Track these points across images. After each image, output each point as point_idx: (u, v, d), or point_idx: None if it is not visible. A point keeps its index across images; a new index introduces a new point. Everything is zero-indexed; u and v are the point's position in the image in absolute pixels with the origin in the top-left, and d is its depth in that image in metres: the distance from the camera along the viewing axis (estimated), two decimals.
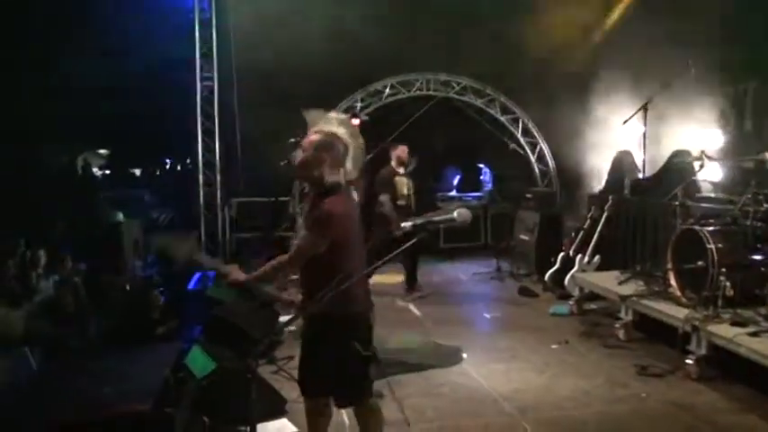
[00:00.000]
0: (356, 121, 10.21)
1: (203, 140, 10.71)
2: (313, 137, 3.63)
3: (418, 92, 11.68)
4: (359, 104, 11.35)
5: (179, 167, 19.43)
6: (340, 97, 10.76)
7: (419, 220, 2.67)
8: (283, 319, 6.59)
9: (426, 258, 10.69)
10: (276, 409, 4.96)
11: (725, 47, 8.14)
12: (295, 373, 5.58)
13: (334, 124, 3.68)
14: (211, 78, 10.58)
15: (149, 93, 11.62)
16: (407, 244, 2.83)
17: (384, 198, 8.00)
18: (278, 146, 7.54)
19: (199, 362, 5.23)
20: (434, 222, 2.67)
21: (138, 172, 20.44)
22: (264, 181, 8.81)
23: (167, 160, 20.78)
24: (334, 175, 3.60)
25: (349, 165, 3.65)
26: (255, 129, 10.09)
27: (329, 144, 3.59)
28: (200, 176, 10.78)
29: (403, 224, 2.78)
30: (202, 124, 10.62)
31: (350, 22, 9.82)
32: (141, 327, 5.98)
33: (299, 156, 3.62)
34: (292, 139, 5.98)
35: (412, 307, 8.22)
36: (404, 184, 8.33)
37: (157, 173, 20.78)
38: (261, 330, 5.82)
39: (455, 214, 2.75)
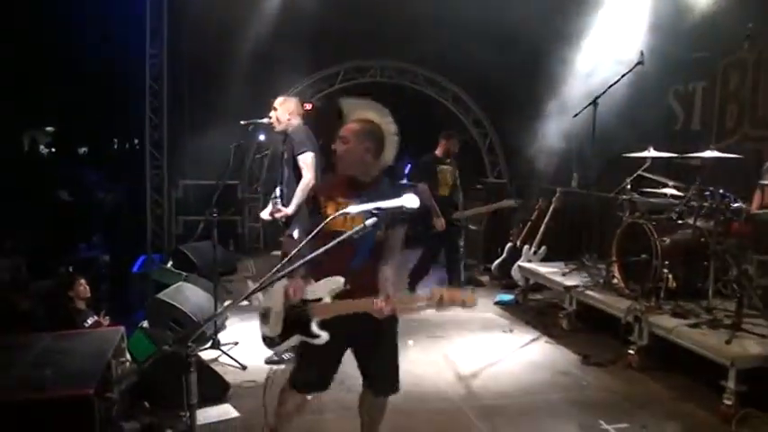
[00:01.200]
0: (308, 106, 10.14)
1: (151, 120, 10.44)
2: (353, 126, 3.50)
3: (371, 79, 11.61)
4: (310, 89, 11.23)
5: (127, 147, 19.04)
6: (291, 81, 10.61)
7: (366, 207, 2.64)
8: (227, 303, 6.52)
9: None
10: (219, 395, 4.91)
11: (675, 46, 8.27)
12: (239, 358, 5.61)
13: (370, 111, 3.56)
14: (160, 56, 10.27)
15: (98, 70, 11.34)
16: (351, 232, 2.80)
17: (423, 187, 7.64)
18: (227, 128, 7.45)
19: (141, 346, 5.15)
20: (382, 209, 2.63)
21: (84, 151, 20.02)
22: (212, 163, 8.65)
23: (115, 140, 20.37)
24: (377, 165, 3.52)
25: (388, 153, 3.55)
26: (204, 110, 9.90)
27: (371, 132, 3.47)
28: (148, 157, 10.53)
29: (346, 210, 2.71)
30: (150, 103, 10.35)
31: (303, 5, 9.68)
32: (62, 317, 5.77)
33: (339, 147, 3.45)
34: (242, 122, 5.89)
35: None
36: (447, 173, 7.95)
37: (105, 152, 20.36)
38: (204, 314, 5.74)
39: (402, 200, 2.74)
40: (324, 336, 3.31)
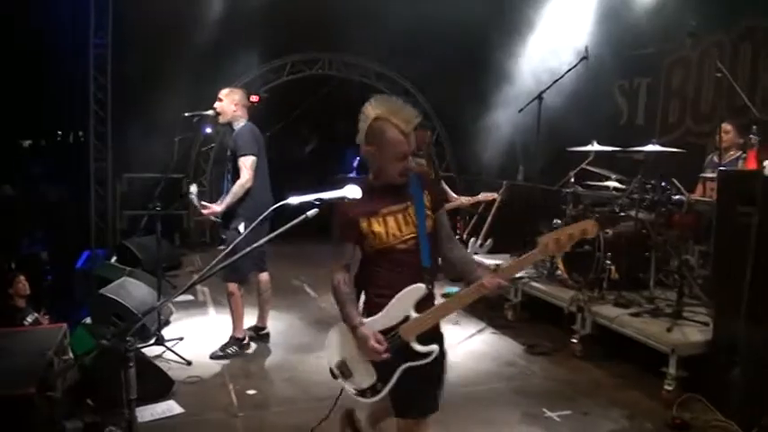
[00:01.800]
0: (254, 98, 10.03)
1: (95, 112, 10.21)
2: (421, 133, 3.33)
3: (320, 71, 11.56)
4: (258, 81, 11.12)
5: (71, 139, 18.56)
6: (239, 72, 10.49)
7: (306, 198, 2.60)
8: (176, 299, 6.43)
9: (324, 239, 10.68)
10: (163, 391, 4.84)
11: (620, 43, 8.42)
12: (184, 353, 5.54)
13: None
14: (105, 46, 10.04)
15: (41, 60, 10.99)
16: (296, 220, 2.76)
17: None
18: (173, 120, 7.32)
19: (83, 343, 5.05)
20: (324, 200, 2.60)
21: (29, 143, 19.46)
22: (157, 156, 8.51)
23: (59, 132, 19.84)
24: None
25: None
26: (150, 102, 9.71)
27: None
28: (92, 150, 10.30)
29: (288, 201, 2.65)
30: (94, 95, 10.12)
31: None
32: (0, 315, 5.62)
33: (418, 162, 3.26)
34: (186, 113, 5.80)
35: (307, 288, 8.20)
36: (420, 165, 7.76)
37: (49, 145, 19.82)
38: (146, 309, 5.64)
39: (344, 191, 2.72)
40: (433, 348, 3.00)
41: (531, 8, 9.47)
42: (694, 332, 5.08)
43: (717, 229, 5.00)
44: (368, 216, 3.04)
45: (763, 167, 4.41)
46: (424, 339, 2.99)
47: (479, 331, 6.62)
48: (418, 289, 2.97)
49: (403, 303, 2.98)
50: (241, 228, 5.43)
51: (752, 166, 5.07)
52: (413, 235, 3.01)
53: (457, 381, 5.31)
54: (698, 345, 4.92)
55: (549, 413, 4.70)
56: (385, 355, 2.93)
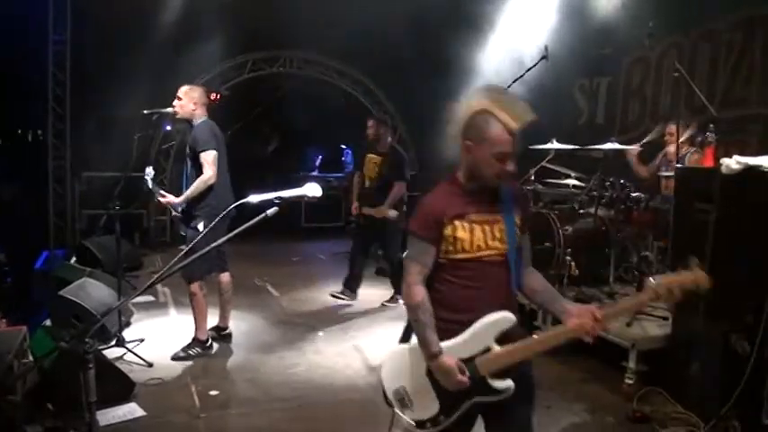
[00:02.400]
0: (214, 96, 9.94)
1: (53, 109, 10.02)
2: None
3: (281, 69, 11.49)
4: (218, 78, 11.03)
5: (30, 138, 18.22)
6: (199, 70, 10.37)
7: (266, 196, 2.56)
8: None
9: (286, 237, 10.66)
10: (124, 393, 4.78)
11: (581, 42, 8.52)
12: (145, 355, 5.47)
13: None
14: (64, 42, 9.85)
15: None
16: (255, 219, 2.72)
17: (356, 179, 7.67)
18: (133, 118, 7.20)
19: (43, 345, 4.96)
20: (283, 198, 2.56)
21: None
22: (117, 154, 8.38)
23: (19, 130, 19.47)
24: None
25: None
26: (110, 100, 9.56)
27: None
28: (50, 148, 10.11)
29: (248, 199, 2.61)
30: (53, 91, 9.94)
31: None
32: None
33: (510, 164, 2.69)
34: (146, 111, 5.72)
35: (270, 287, 8.15)
36: (371, 162, 7.57)
37: (5, 144, 19.43)
38: (105, 311, 5.56)
39: (305, 189, 2.69)
40: (508, 383, 2.63)
41: (493, 6, 9.52)
42: (654, 327, 5.19)
43: (675, 225, 5.09)
44: (453, 218, 2.67)
45: (720, 165, 4.49)
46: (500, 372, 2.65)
47: None
48: (507, 320, 2.64)
49: (487, 332, 2.63)
50: (200, 227, 5.38)
51: (709, 163, 5.16)
52: (499, 251, 2.67)
53: None
54: (657, 339, 5.04)
55: None
56: (460, 380, 2.59)
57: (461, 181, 2.76)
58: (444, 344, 2.64)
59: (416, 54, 10.35)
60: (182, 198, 5.53)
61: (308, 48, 11.48)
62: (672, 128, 6.25)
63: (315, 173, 12.14)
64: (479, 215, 2.69)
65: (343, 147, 12.27)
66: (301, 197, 2.96)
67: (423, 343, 2.66)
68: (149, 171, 5.68)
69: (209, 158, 5.47)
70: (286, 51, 11.52)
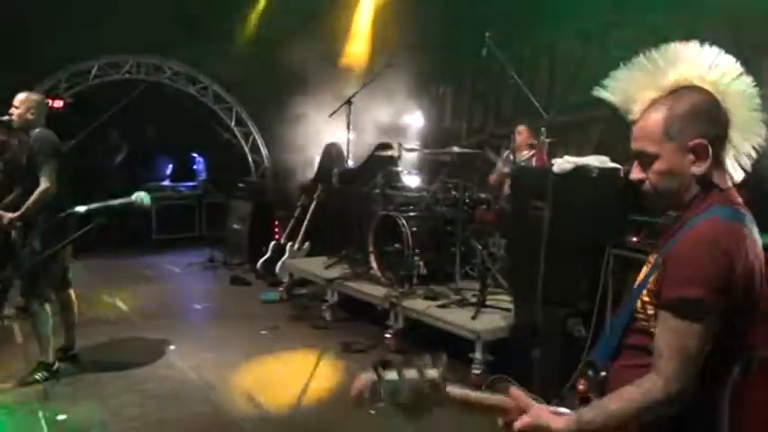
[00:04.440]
0: (59, 103, 9.48)
1: None
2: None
3: (127, 75, 11.11)
4: (62, 85, 10.50)
5: None
6: (42, 76, 9.84)
7: (94, 205, 2.47)
8: None
9: (138, 250, 10.32)
10: None
11: (429, 50, 8.83)
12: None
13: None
14: None
15: None
16: (84, 229, 2.64)
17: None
18: None
19: None
20: (111, 207, 2.49)
21: None
22: None
23: None
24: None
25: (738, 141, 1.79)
26: None
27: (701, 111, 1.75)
28: None
29: (75, 209, 2.50)
30: None
31: None
32: None
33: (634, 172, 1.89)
34: None
35: (119, 302, 7.84)
36: None
37: None
38: None
39: (133, 197, 2.65)
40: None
41: (344, 13, 9.68)
42: (498, 319, 5.45)
43: (512, 222, 5.40)
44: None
45: (552, 165, 4.82)
46: None
47: (298, 333, 6.67)
48: None
49: None
50: (36, 244, 5.06)
51: (541, 163, 5.50)
52: None
53: (276, 384, 5.39)
54: (501, 330, 5.30)
55: None
56: None
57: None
58: None
59: (265, 59, 10.32)
60: (19, 213, 5.19)
61: (156, 53, 11.15)
62: (521, 128, 6.70)
63: (166, 182, 11.81)
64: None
65: (194, 155, 11.99)
66: (129, 204, 2.91)
67: None
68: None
69: (47, 169, 5.20)
70: (133, 56, 11.12)
